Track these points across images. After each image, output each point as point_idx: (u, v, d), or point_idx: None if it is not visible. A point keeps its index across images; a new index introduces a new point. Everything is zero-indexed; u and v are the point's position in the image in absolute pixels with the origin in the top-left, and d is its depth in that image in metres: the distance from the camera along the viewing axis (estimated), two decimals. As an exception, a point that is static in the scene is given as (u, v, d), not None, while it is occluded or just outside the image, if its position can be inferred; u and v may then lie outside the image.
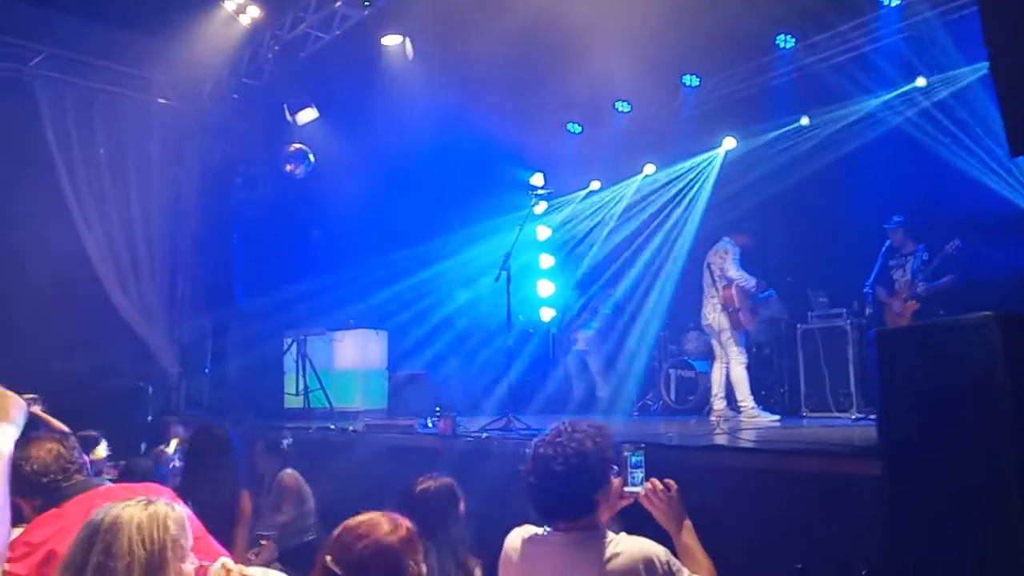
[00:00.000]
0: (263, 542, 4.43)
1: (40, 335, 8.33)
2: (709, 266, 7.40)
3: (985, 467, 2.18)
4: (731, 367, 7.13)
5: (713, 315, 7.25)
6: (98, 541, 1.80)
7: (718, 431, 5.74)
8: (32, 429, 4.61)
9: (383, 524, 1.92)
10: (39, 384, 5.41)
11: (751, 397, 7.02)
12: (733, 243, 7.33)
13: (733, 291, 7.12)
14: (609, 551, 2.26)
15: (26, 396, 4.50)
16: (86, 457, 2.85)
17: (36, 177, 8.94)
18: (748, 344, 7.59)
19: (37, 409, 4.72)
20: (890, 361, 2.53)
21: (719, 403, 7.22)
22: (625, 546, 2.27)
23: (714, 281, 7.30)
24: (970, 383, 2.30)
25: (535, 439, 2.47)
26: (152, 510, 1.87)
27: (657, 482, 2.49)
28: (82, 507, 2.48)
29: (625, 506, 2.51)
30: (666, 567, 2.23)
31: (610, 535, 2.33)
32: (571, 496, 2.32)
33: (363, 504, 2.62)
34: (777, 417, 6.98)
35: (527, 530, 2.47)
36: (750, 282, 7.16)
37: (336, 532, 1.93)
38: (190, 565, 1.90)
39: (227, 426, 4.57)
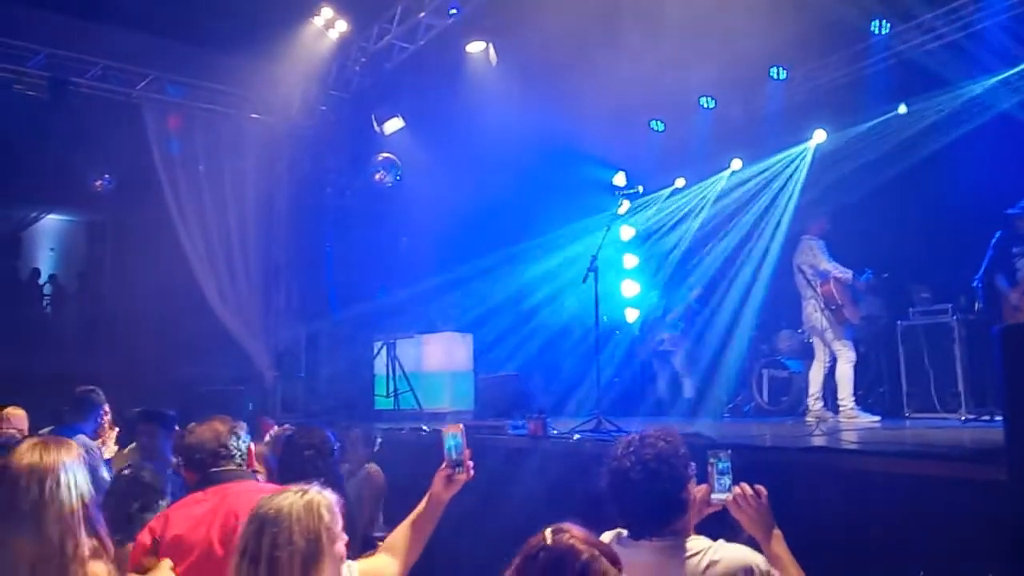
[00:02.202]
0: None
1: (152, 346, 8.86)
2: (799, 268, 7.18)
3: None
4: (839, 364, 6.89)
5: (816, 315, 7.02)
6: (266, 532, 1.92)
7: (817, 432, 5.55)
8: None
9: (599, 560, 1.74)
10: (153, 389, 5.78)
11: (852, 397, 6.77)
12: (814, 237, 7.09)
13: (832, 287, 6.90)
14: (707, 558, 2.20)
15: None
16: (252, 446, 2.84)
17: (143, 194, 9.51)
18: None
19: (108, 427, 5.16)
20: (1018, 359, 2.39)
21: (816, 404, 6.99)
22: (723, 553, 2.21)
23: (808, 281, 7.08)
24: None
25: (608, 454, 2.43)
26: (307, 500, 1.98)
27: (747, 487, 2.41)
28: (216, 496, 2.59)
29: (711, 513, 2.45)
30: None
31: (704, 541, 2.28)
32: (658, 500, 2.28)
33: (461, 506, 2.66)
34: (878, 418, 6.72)
35: (620, 532, 2.42)
36: (847, 273, 6.94)
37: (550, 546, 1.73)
38: (341, 545, 2.02)
39: (326, 428, 4.70)
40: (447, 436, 2.47)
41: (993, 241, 6.56)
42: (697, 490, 2.46)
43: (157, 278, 9.54)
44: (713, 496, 2.41)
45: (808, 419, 6.96)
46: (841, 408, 6.78)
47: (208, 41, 8.80)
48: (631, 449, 2.34)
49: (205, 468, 2.70)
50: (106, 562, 2.12)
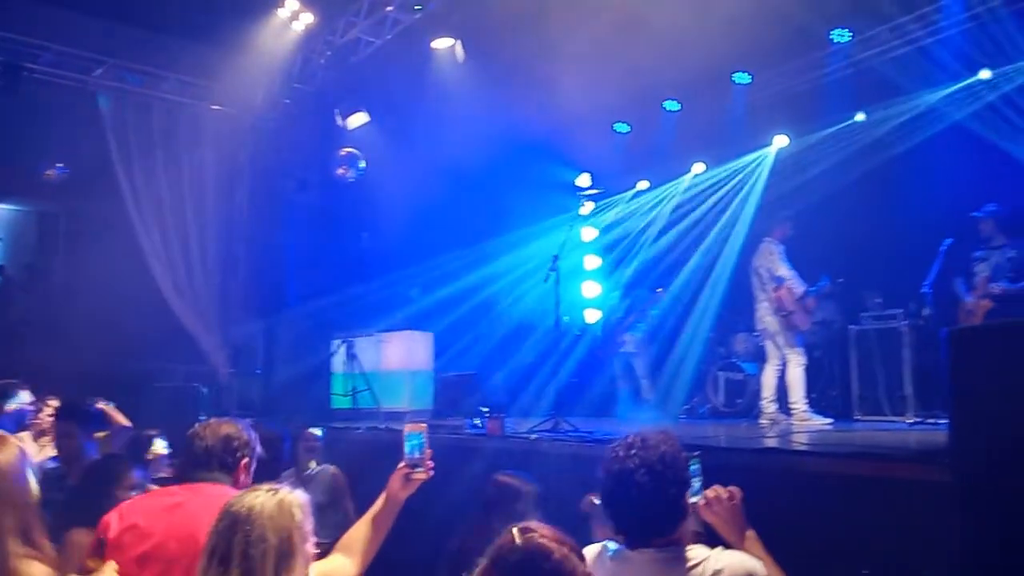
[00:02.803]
0: None
1: (101, 338, 8.62)
2: (756, 270, 7.26)
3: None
4: (788, 368, 6.97)
5: (768, 318, 7.11)
6: (239, 530, 1.88)
7: (769, 434, 5.62)
8: (102, 425, 4.76)
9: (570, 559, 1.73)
10: (99, 385, 5.62)
11: (805, 400, 6.87)
12: (775, 241, 7.18)
13: (784, 293, 6.97)
14: (709, 567, 2.12)
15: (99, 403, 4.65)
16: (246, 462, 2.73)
17: (97, 183, 9.26)
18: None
19: (107, 406, 4.90)
20: (963, 362, 2.44)
21: (770, 406, 7.08)
22: (726, 561, 2.14)
23: (763, 284, 7.15)
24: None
25: (606, 457, 2.30)
26: (279, 499, 1.96)
27: (721, 489, 2.36)
28: (188, 493, 2.53)
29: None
30: None
31: (704, 549, 2.20)
32: (663, 504, 2.18)
33: (413, 505, 2.63)
34: (830, 420, 6.82)
35: (609, 544, 2.30)
36: (802, 287, 7.01)
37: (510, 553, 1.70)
38: (312, 545, 2.01)
39: (277, 426, 4.64)
40: (409, 435, 2.42)
41: (942, 249, 6.71)
42: None
43: (110, 271, 9.28)
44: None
45: (762, 421, 7.06)
46: (793, 411, 6.85)
47: (168, 29, 8.62)
48: (634, 451, 2.21)
49: (191, 466, 2.64)
50: (45, 563, 2.05)
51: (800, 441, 4.69)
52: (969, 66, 7.66)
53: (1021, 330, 2.36)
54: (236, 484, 2.62)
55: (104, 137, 9.08)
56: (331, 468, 5.56)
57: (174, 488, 2.60)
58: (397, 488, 2.42)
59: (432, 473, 2.43)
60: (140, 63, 9.17)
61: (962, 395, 2.46)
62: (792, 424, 6.66)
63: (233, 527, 1.89)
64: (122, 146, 9.19)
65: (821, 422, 6.68)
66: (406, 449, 2.41)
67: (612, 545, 2.29)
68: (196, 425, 2.72)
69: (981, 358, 2.40)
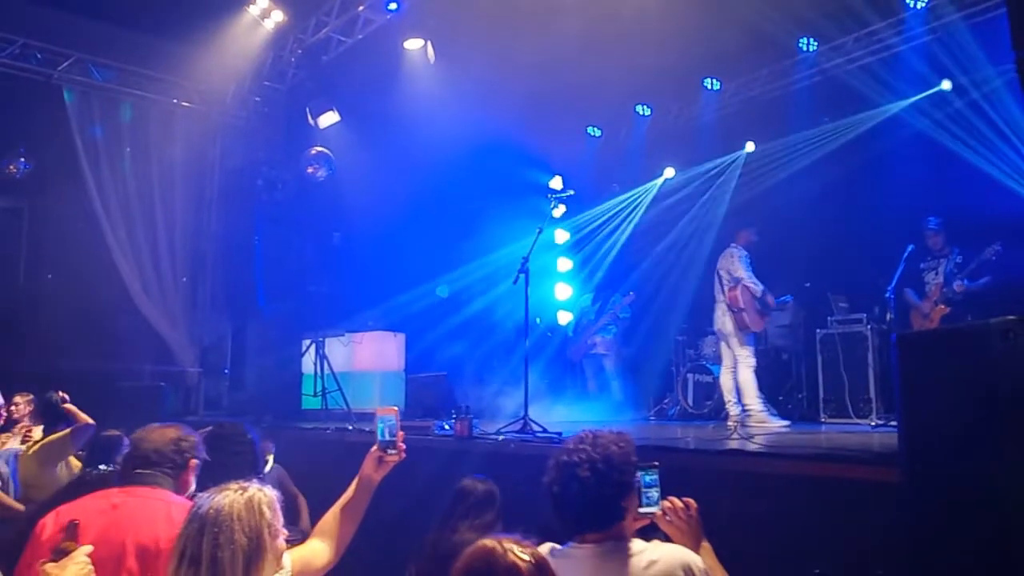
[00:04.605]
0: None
1: (65, 335, 8.48)
2: (718, 272, 7.35)
3: (1007, 476, 2.14)
4: (739, 369, 7.01)
5: (723, 319, 7.17)
6: (207, 533, 1.87)
7: (735, 436, 5.69)
8: (62, 422, 4.69)
9: (523, 563, 1.73)
10: (62, 383, 5.54)
11: (759, 400, 6.90)
12: (738, 246, 7.27)
13: (738, 292, 7.02)
14: (646, 559, 2.18)
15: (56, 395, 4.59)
16: (194, 461, 2.72)
17: (63, 179, 9.10)
18: (766, 348, 7.49)
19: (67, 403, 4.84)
20: (912, 366, 2.49)
21: (734, 408, 7.15)
22: (662, 553, 2.20)
23: (722, 287, 7.23)
24: (994, 389, 2.26)
25: (558, 449, 2.39)
26: (248, 497, 1.95)
27: (677, 500, 2.41)
28: (125, 496, 2.52)
29: (640, 528, 2.44)
30: (704, 575, 2.19)
31: (640, 543, 2.26)
32: (600, 502, 2.25)
33: (379, 504, 2.63)
34: (787, 422, 6.90)
35: (549, 546, 2.34)
36: (758, 286, 7.06)
37: (465, 562, 1.73)
38: (282, 541, 2.00)
39: (245, 424, 4.59)
40: (381, 418, 2.45)
41: (905, 255, 6.87)
42: None
43: (76, 267, 9.12)
44: (641, 509, 2.39)
45: (729, 423, 7.13)
46: (749, 412, 6.88)
47: (136, 24, 8.49)
48: (583, 446, 2.29)
49: (132, 468, 2.62)
50: None
51: (760, 443, 4.75)
52: (931, 77, 7.83)
53: (966, 335, 2.42)
54: (182, 486, 2.62)
55: (70, 132, 8.93)
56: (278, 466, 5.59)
57: (113, 491, 2.56)
58: (370, 471, 2.42)
59: (404, 455, 2.44)
60: (107, 58, 9.03)
61: (911, 397, 2.52)
62: (749, 426, 6.73)
63: (202, 530, 1.88)
64: (88, 141, 9.04)
65: (778, 424, 6.75)
66: (378, 432, 2.43)
67: (553, 545, 2.35)
68: (139, 430, 2.72)
69: (928, 362, 2.46)
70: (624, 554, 2.21)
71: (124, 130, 9.29)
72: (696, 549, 2.35)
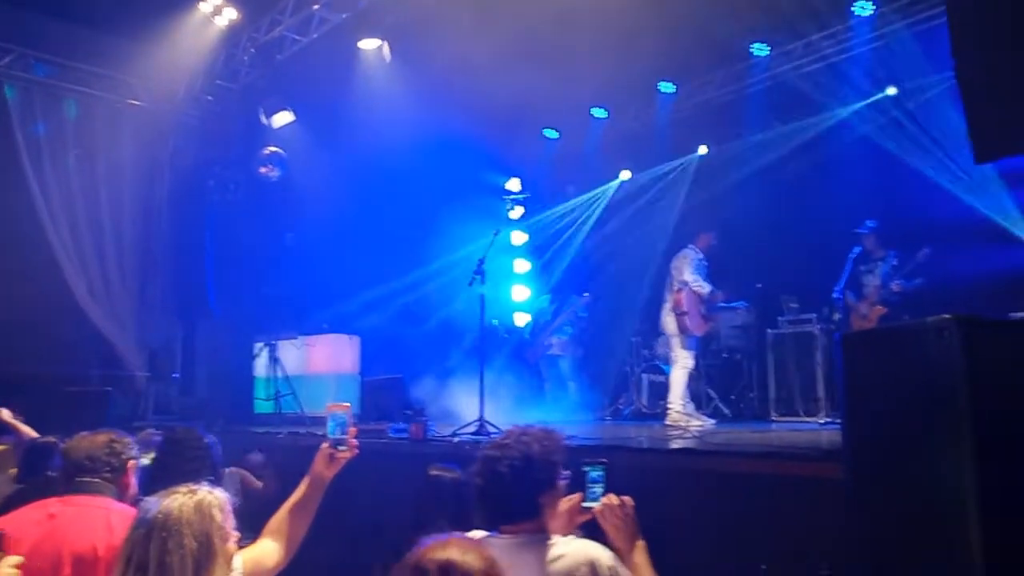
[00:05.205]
0: None
1: (5, 339, 8.20)
2: (670, 272, 7.42)
3: (941, 470, 2.19)
4: (674, 369, 7.11)
5: (667, 319, 7.24)
6: (155, 537, 1.83)
7: (687, 435, 5.76)
8: (3, 435, 4.53)
9: (475, 560, 1.76)
10: (3, 389, 5.36)
11: (681, 402, 6.96)
12: (694, 248, 7.34)
13: (683, 295, 7.08)
14: (552, 552, 2.24)
15: None
16: (132, 463, 2.69)
17: (3, 178, 8.80)
18: (719, 348, 7.58)
19: (7, 415, 4.67)
20: (854, 364, 2.54)
21: (688, 407, 7.24)
22: (569, 548, 2.26)
23: (671, 287, 7.31)
24: (929, 386, 2.31)
25: (487, 443, 2.46)
26: (198, 500, 1.92)
27: (614, 498, 2.45)
28: (64, 506, 2.49)
29: (584, 521, 2.48)
30: (611, 572, 2.21)
31: (555, 538, 2.31)
32: (514, 497, 2.32)
33: (337, 508, 2.60)
34: (713, 422, 7.03)
35: (473, 535, 2.39)
36: (704, 288, 7.11)
37: (414, 561, 1.75)
38: (233, 544, 1.98)
39: (200, 430, 4.48)
40: (332, 415, 2.42)
41: (852, 256, 7.04)
42: (570, 498, 2.49)
43: (17, 269, 8.84)
44: (583, 504, 2.44)
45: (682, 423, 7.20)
46: (670, 410, 6.96)
47: (81, 19, 8.27)
48: (507, 442, 2.37)
49: (70, 478, 2.58)
50: None
51: (714, 441, 4.82)
52: (877, 83, 8.05)
53: (904, 333, 2.48)
54: (124, 489, 2.58)
55: (11, 129, 8.65)
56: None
57: (52, 500, 2.51)
58: (321, 468, 2.39)
59: (357, 451, 2.42)
60: (50, 53, 8.76)
61: (853, 395, 2.57)
62: (667, 425, 6.79)
63: (149, 534, 1.84)
64: (30, 139, 8.76)
65: (700, 422, 6.85)
66: (328, 429, 2.41)
67: (479, 534, 2.40)
68: (67, 440, 2.67)
69: (870, 360, 2.51)
70: (537, 547, 2.27)
71: (69, 128, 9.03)
72: (631, 547, 2.39)
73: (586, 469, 2.46)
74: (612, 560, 2.25)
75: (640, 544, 2.42)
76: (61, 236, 8.91)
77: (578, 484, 2.48)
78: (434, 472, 3.80)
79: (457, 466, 3.87)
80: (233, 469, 5.18)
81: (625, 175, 10.34)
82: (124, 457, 2.62)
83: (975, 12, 3.09)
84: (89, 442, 2.61)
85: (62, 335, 8.86)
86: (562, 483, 2.42)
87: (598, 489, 2.45)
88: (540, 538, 2.30)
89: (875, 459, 2.51)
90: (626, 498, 2.45)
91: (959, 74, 3.01)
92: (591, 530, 2.51)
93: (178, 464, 4.09)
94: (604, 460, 2.50)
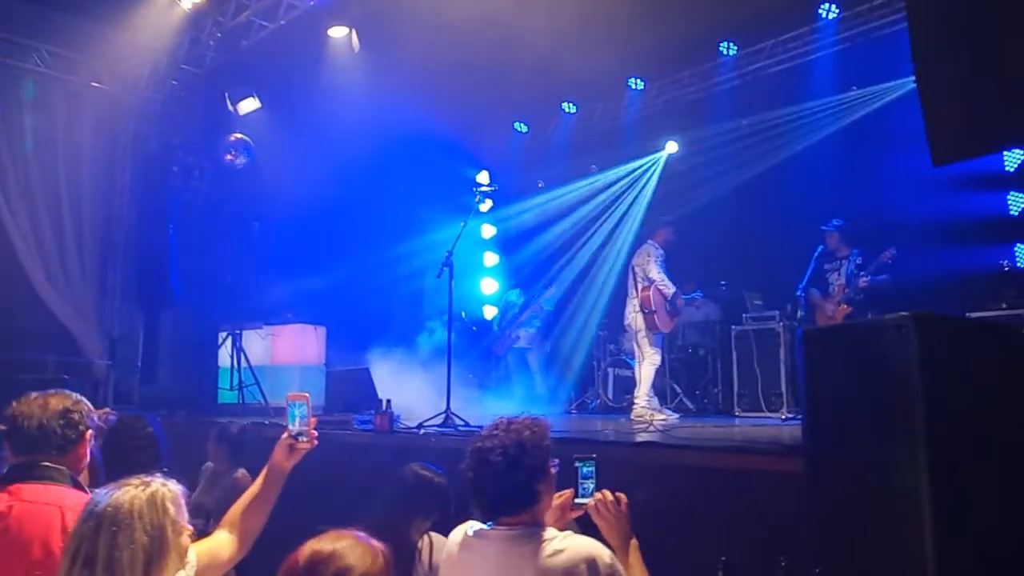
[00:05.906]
0: None
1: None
2: (633, 269, 7.50)
3: (896, 465, 2.24)
4: (642, 365, 7.22)
5: (633, 315, 7.34)
6: (104, 531, 1.77)
7: (651, 429, 5.83)
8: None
9: (364, 555, 1.77)
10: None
11: (647, 398, 7.09)
12: (655, 245, 7.42)
13: (651, 293, 7.19)
14: (551, 547, 2.21)
15: None
16: (88, 434, 2.46)
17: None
18: (684, 344, 7.67)
19: None
20: (815, 360, 2.58)
21: (653, 401, 7.32)
22: (569, 543, 2.22)
23: (636, 283, 7.39)
24: (887, 382, 2.36)
25: (474, 436, 2.42)
26: (151, 493, 1.86)
27: (608, 494, 2.45)
28: (9, 498, 2.32)
29: (576, 518, 2.49)
30: (609, 570, 2.19)
31: (553, 532, 2.29)
32: (511, 486, 2.29)
33: (298, 501, 2.57)
34: (677, 415, 7.15)
35: (471, 525, 2.41)
36: (670, 289, 7.23)
37: (304, 558, 1.75)
38: (186, 537, 1.93)
39: (146, 418, 4.38)
40: (292, 404, 2.37)
41: (816, 254, 7.16)
42: (562, 495, 2.49)
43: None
44: (576, 500, 2.44)
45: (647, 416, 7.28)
46: (635, 404, 7.08)
47: (42, -2, 8.05)
48: (496, 432, 2.35)
49: (18, 453, 2.37)
50: None
51: (678, 435, 4.88)
52: (840, 83, 8.19)
53: (863, 330, 2.53)
54: (77, 462, 2.44)
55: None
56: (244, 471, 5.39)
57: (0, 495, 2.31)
58: (281, 459, 2.35)
59: (316, 443, 2.38)
60: (4, 31, 8.49)
61: (814, 391, 2.61)
62: (632, 419, 6.89)
63: (98, 528, 1.78)
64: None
65: (664, 416, 6.96)
66: (289, 419, 2.36)
67: (476, 524, 2.39)
68: (14, 403, 2.42)
69: (830, 356, 2.56)
70: (533, 540, 2.24)
71: (25, 109, 8.78)
72: (624, 544, 2.39)
73: (577, 465, 2.45)
74: (611, 559, 2.24)
75: (634, 543, 2.42)
76: (18, 221, 8.68)
77: (567, 476, 2.47)
78: (421, 472, 3.72)
79: (432, 464, 3.85)
80: (242, 473, 5.09)
81: (594, 169, 10.39)
82: (81, 428, 2.44)
83: (935, 16, 3.15)
84: (41, 410, 2.39)
85: (17, 322, 8.63)
86: (553, 470, 2.39)
87: (590, 485, 2.44)
88: (537, 531, 2.28)
89: (833, 453, 2.55)
90: (620, 495, 2.46)
91: (919, 77, 3.06)
92: (584, 525, 2.51)
93: (123, 454, 4.01)
94: (594, 455, 2.50)
